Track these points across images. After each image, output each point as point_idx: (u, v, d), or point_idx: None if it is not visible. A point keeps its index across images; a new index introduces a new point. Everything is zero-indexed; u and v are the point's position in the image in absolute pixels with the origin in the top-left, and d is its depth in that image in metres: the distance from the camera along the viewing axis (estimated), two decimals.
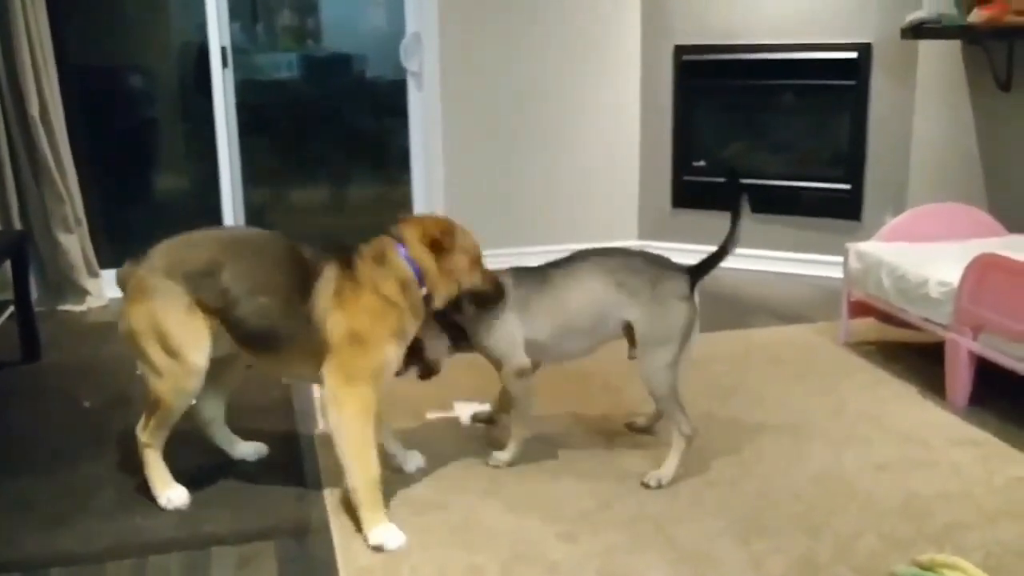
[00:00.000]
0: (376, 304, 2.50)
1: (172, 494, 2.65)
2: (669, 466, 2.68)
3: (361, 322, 2.47)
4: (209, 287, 2.51)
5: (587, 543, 2.37)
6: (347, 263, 2.54)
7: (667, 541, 2.37)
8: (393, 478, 2.71)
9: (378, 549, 2.37)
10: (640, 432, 3.02)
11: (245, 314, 2.51)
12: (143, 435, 2.64)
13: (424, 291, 2.58)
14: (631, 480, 2.69)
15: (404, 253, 2.56)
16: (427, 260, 2.58)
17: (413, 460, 2.84)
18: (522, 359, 2.73)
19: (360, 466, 2.43)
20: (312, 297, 2.48)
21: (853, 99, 4.82)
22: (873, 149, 4.82)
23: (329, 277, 2.50)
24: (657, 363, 2.64)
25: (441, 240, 2.60)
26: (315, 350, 2.49)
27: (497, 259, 5.14)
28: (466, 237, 2.70)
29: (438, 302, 2.63)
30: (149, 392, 2.59)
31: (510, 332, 2.72)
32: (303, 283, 2.50)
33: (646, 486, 2.65)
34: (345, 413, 2.44)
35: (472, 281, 2.67)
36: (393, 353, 2.53)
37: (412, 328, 2.59)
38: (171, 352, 2.52)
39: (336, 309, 2.47)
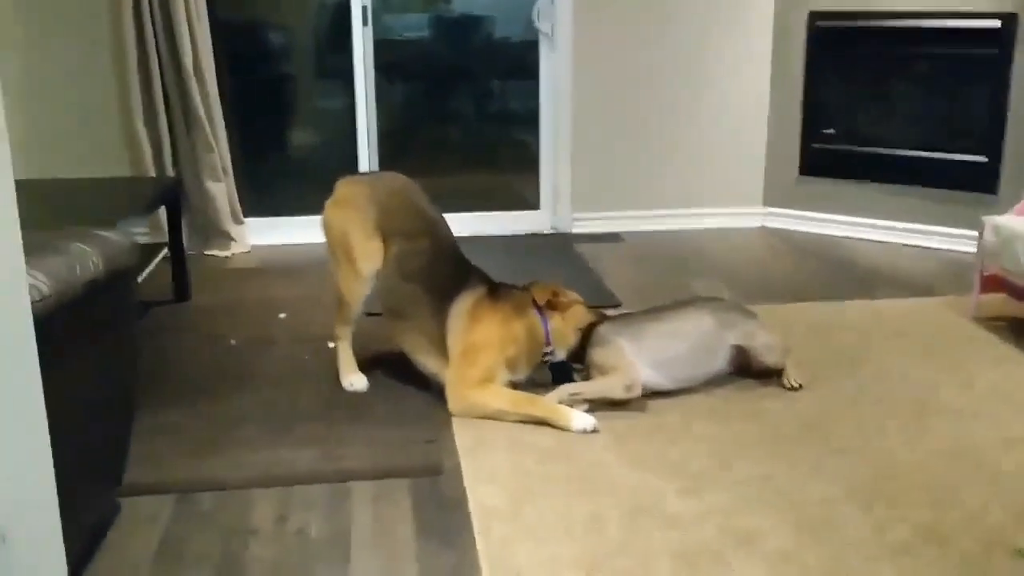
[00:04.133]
0: (499, 333, 2.94)
1: (354, 379, 3.12)
2: None
3: (481, 337, 2.92)
4: (390, 236, 3.03)
5: (708, 500, 2.42)
6: (494, 291, 3.01)
7: (788, 504, 2.40)
8: (522, 429, 2.82)
9: (583, 432, 2.77)
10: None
11: (393, 286, 3.04)
12: (335, 329, 3.16)
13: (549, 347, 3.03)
14: (750, 444, 2.73)
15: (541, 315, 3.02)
16: (556, 319, 3.02)
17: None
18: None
19: (525, 409, 2.85)
20: (450, 305, 2.95)
21: (994, 70, 4.64)
22: (1013, 121, 4.64)
23: (475, 294, 2.98)
24: None
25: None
26: (434, 337, 2.97)
27: (620, 222, 5.24)
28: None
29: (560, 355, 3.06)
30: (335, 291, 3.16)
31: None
32: (448, 293, 2.97)
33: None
34: (477, 406, 2.87)
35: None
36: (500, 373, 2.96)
37: (524, 366, 3.01)
38: (349, 256, 3.05)
39: (464, 319, 2.94)
